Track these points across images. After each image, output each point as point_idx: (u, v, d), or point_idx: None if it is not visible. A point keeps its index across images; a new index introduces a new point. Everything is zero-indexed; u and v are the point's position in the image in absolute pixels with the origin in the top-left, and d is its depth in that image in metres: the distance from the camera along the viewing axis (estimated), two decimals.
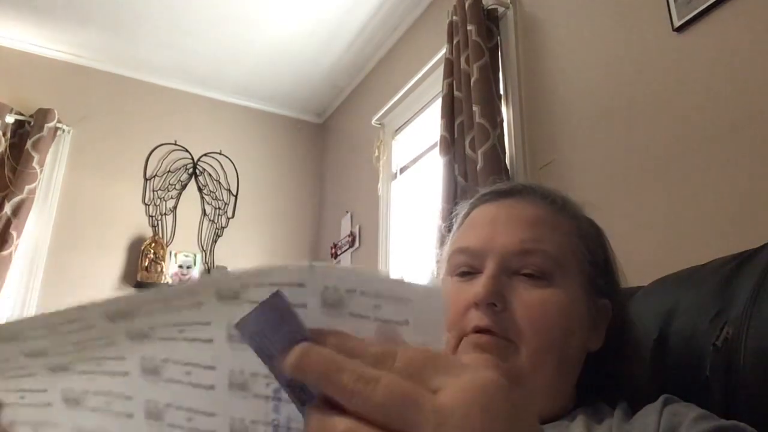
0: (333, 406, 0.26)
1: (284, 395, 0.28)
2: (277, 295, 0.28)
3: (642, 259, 1.19)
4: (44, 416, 0.33)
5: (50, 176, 2.88)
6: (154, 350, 0.30)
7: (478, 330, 0.56)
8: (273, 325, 0.28)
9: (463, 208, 0.71)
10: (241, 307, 0.28)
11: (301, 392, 0.28)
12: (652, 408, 0.51)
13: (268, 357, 0.28)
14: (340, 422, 0.25)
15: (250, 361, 0.28)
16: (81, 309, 0.31)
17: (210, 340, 0.29)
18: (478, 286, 0.57)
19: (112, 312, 0.30)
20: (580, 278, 0.60)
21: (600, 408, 0.57)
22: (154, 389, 0.30)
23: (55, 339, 0.31)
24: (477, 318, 0.56)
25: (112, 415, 0.31)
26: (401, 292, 0.29)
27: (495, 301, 0.56)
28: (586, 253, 0.62)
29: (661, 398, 0.52)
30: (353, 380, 0.25)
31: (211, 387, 0.29)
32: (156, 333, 0.30)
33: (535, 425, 0.27)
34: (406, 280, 0.29)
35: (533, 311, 0.56)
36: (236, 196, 3.32)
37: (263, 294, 0.28)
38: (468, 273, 0.61)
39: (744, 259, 0.65)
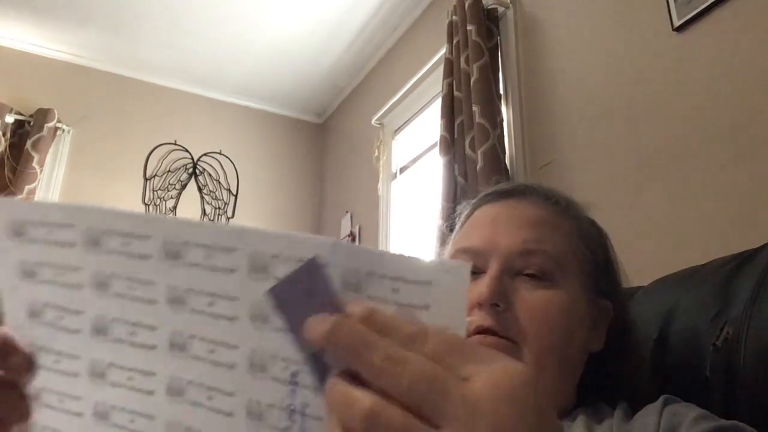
0: (358, 381, 0.26)
1: (301, 379, 0.28)
2: (312, 263, 0.28)
3: (642, 259, 1.19)
4: (70, 387, 0.33)
5: (50, 176, 2.88)
6: (184, 323, 0.30)
7: (481, 330, 0.56)
8: (305, 294, 0.28)
9: (465, 207, 0.71)
10: (267, 283, 0.28)
11: (325, 368, 0.28)
12: (652, 408, 0.51)
13: (295, 326, 0.28)
14: (366, 398, 0.25)
15: (270, 342, 0.29)
16: (154, 223, 0.31)
17: (234, 318, 0.29)
18: (482, 286, 0.57)
19: (172, 243, 0.30)
20: (580, 279, 0.61)
21: (600, 408, 0.57)
22: (178, 365, 0.30)
23: (123, 262, 0.31)
24: (480, 318, 0.56)
25: (133, 391, 0.31)
26: (422, 274, 0.28)
27: (498, 302, 0.56)
28: (588, 254, 0.62)
29: (661, 398, 0.52)
30: (382, 359, 0.25)
31: (232, 366, 0.29)
32: (190, 300, 0.30)
33: (555, 420, 0.27)
34: (428, 260, 0.28)
35: (535, 312, 0.56)
36: (236, 196, 3.32)
37: (290, 269, 0.28)
38: (471, 273, 0.61)
39: (744, 259, 0.65)
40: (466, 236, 0.65)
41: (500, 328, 0.56)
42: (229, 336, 0.29)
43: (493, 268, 0.58)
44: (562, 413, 0.57)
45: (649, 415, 0.51)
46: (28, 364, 0.33)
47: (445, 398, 0.24)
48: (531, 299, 0.57)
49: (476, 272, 0.61)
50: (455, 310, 0.28)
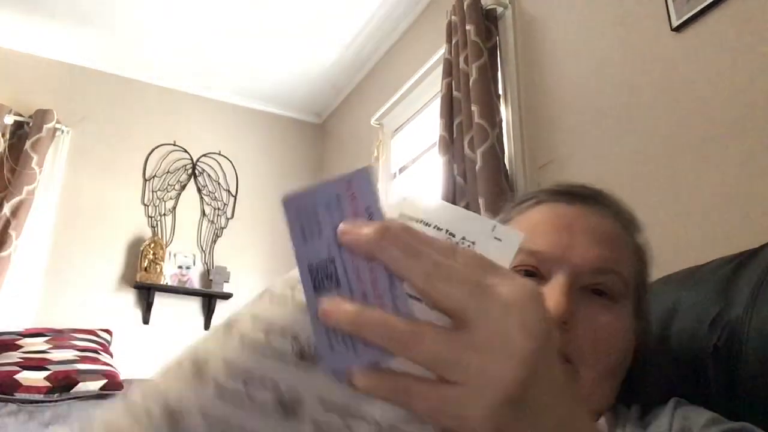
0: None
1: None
2: (358, 174, 0.30)
3: None
4: None
5: (49, 177, 2.87)
6: None
7: None
8: (332, 203, 0.29)
9: (523, 197, 0.66)
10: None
11: (324, 278, 0.29)
12: (664, 411, 0.52)
13: (307, 235, 0.29)
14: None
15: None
16: None
17: None
18: (550, 299, 0.53)
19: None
20: (632, 302, 0.59)
21: (618, 410, 0.57)
22: None
23: None
24: None
25: None
26: (471, 233, 0.31)
27: (567, 320, 0.53)
28: (641, 276, 0.61)
29: (672, 401, 0.53)
30: (431, 264, 0.28)
31: None
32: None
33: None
34: (482, 220, 0.31)
35: (600, 335, 0.54)
36: (235, 197, 3.32)
37: None
38: (530, 274, 0.57)
39: (744, 259, 0.65)
40: (528, 235, 0.59)
41: (563, 347, 0.53)
42: None
43: (561, 281, 0.54)
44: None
45: (660, 417, 0.51)
46: None
47: (484, 299, 0.28)
48: (597, 322, 0.54)
49: (533, 274, 0.57)
50: None
